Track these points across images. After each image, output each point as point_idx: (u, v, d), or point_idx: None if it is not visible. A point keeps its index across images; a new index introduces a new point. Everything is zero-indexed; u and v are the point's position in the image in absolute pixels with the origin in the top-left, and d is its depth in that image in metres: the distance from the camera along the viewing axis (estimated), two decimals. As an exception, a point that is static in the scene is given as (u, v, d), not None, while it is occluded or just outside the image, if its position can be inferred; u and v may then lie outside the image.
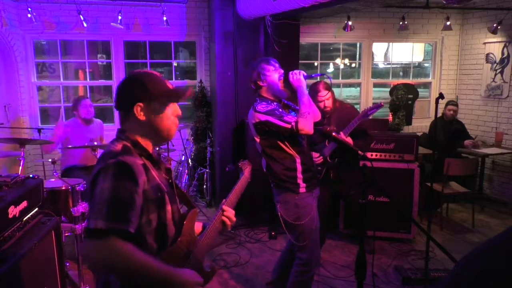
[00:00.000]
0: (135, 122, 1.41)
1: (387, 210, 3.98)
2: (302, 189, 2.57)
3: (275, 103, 2.56)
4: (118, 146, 1.37)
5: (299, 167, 2.57)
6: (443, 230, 4.53)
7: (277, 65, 2.66)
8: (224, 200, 1.69)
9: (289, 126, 2.43)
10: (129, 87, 1.43)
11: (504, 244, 0.69)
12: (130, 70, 5.71)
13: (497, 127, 5.56)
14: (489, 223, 4.80)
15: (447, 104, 5.18)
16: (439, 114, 5.26)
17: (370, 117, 3.36)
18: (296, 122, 2.42)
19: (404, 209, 4.04)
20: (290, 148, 2.55)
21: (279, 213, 2.64)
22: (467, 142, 5.08)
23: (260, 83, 2.60)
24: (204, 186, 5.29)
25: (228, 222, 1.64)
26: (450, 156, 4.64)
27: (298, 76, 2.55)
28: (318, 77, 3.30)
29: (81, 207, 3.19)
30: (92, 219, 1.24)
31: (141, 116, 1.40)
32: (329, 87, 3.30)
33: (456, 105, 5.23)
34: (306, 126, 2.41)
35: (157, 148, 3.92)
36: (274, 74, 2.59)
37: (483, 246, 0.71)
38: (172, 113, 1.44)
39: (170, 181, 1.52)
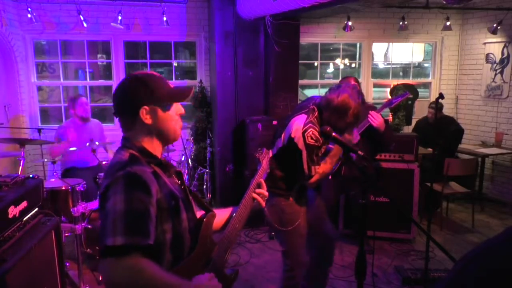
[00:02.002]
0: (141, 127, 1.35)
1: (387, 210, 3.98)
2: (292, 198, 2.54)
3: (319, 142, 2.36)
4: (125, 156, 1.31)
5: (296, 185, 2.53)
6: (443, 230, 4.53)
7: (359, 117, 2.40)
8: (251, 180, 1.66)
9: (307, 172, 2.34)
10: (132, 90, 1.35)
11: (503, 244, 0.69)
12: (130, 70, 5.71)
13: (497, 127, 5.55)
14: (489, 223, 4.80)
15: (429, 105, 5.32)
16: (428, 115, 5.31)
17: (393, 106, 3.42)
18: (311, 176, 2.34)
19: (404, 209, 4.04)
20: (297, 174, 2.46)
21: (266, 215, 2.59)
22: None
23: (329, 117, 2.33)
24: (204, 186, 5.29)
25: (260, 198, 1.63)
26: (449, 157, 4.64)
27: (356, 133, 2.39)
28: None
29: (81, 207, 3.19)
30: (109, 237, 1.15)
31: (148, 119, 1.34)
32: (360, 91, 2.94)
33: (435, 108, 5.07)
34: (316, 182, 2.37)
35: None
36: (347, 123, 2.34)
37: (483, 246, 0.71)
38: (176, 112, 1.40)
39: (182, 186, 1.45)
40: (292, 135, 2.38)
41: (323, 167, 2.38)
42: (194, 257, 1.38)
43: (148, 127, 1.35)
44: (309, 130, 2.32)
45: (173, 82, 5.75)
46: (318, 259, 2.82)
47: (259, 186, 1.67)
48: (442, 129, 5.11)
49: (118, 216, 1.17)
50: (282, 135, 2.49)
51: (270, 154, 1.85)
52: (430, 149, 4.94)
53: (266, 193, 1.64)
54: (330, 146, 2.53)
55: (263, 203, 1.63)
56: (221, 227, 1.59)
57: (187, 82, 5.75)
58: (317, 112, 2.40)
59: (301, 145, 2.33)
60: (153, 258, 1.20)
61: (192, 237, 1.39)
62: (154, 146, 1.38)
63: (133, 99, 1.34)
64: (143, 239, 1.18)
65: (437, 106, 3.31)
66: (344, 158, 2.76)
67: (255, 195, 1.62)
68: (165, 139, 1.40)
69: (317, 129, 2.33)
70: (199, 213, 1.50)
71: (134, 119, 1.35)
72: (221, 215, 1.61)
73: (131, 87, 1.36)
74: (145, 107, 1.33)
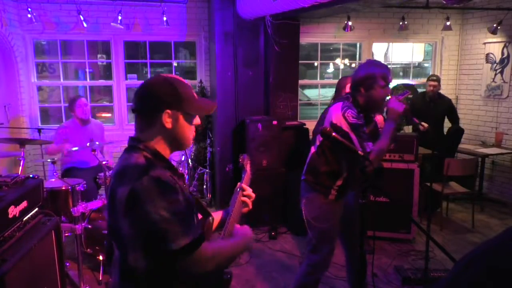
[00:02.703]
0: (159, 130, 1.34)
1: (387, 210, 3.98)
2: (332, 197, 2.51)
3: (362, 115, 2.36)
4: (140, 159, 1.29)
5: (339, 182, 2.48)
6: (443, 230, 4.53)
7: (390, 78, 2.39)
8: (236, 188, 1.68)
9: (361, 153, 2.20)
10: (159, 91, 1.33)
11: (503, 244, 0.69)
12: (130, 70, 5.71)
13: (497, 127, 5.55)
14: (489, 223, 4.80)
15: (428, 79, 5.20)
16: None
17: None
18: (368, 153, 2.25)
19: (404, 209, 4.04)
20: (346, 157, 2.43)
21: (302, 208, 2.59)
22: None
23: (363, 90, 2.37)
24: (204, 186, 5.29)
25: (248, 200, 1.65)
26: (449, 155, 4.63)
27: (398, 108, 2.30)
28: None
29: (81, 207, 3.19)
30: (171, 242, 1.20)
31: (168, 123, 1.33)
32: None
33: (436, 80, 5.10)
34: (376, 161, 2.26)
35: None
36: (382, 91, 2.36)
37: (483, 246, 0.71)
38: (194, 122, 1.41)
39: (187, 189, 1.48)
40: (334, 121, 2.36)
41: (378, 144, 2.31)
42: None
43: (166, 131, 1.34)
44: (348, 111, 2.33)
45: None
46: (350, 260, 2.82)
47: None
48: (438, 105, 5.13)
49: (168, 222, 1.21)
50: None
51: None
52: (434, 149, 4.92)
53: (253, 195, 1.67)
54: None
55: (251, 205, 1.67)
56: (214, 230, 1.61)
57: (187, 82, 5.75)
58: (351, 98, 2.42)
59: (345, 126, 2.31)
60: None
61: None
62: (165, 151, 1.38)
63: (160, 99, 1.32)
64: (198, 230, 1.29)
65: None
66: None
67: (244, 199, 1.65)
68: (178, 146, 1.40)
69: (355, 110, 2.34)
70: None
71: (153, 120, 1.34)
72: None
73: (161, 87, 1.34)
74: (168, 111, 1.32)
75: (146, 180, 1.22)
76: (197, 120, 1.42)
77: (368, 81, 2.35)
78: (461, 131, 5.33)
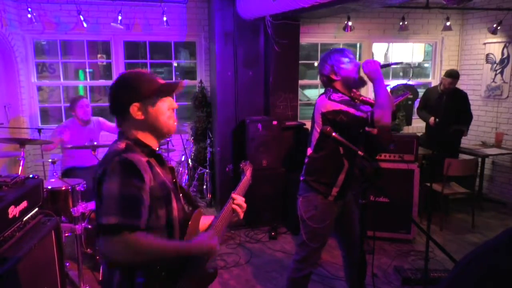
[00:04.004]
0: (134, 122, 1.43)
1: (387, 210, 3.98)
2: (331, 198, 2.51)
3: (348, 97, 2.41)
4: (121, 145, 1.40)
5: (342, 177, 2.47)
6: (443, 231, 4.53)
7: (352, 56, 2.48)
8: (232, 192, 1.68)
9: (364, 115, 2.26)
10: (120, 90, 1.45)
11: (504, 244, 0.69)
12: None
13: (497, 127, 5.56)
14: (489, 223, 4.80)
15: (445, 75, 4.92)
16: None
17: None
18: (372, 112, 2.26)
19: (404, 209, 4.04)
20: (345, 154, 2.42)
21: (298, 205, 2.59)
22: (431, 120, 4.85)
23: (334, 77, 2.44)
24: (204, 186, 5.29)
25: (239, 210, 1.65)
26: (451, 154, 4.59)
27: (374, 66, 2.36)
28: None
29: (81, 207, 3.19)
30: (103, 216, 1.26)
31: (139, 115, 1.42)
32: None
33: (451, 76, 4.79)
34: (383, 117, 2.23)
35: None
36: (349, 66, 2.43)
37: (483, 246, 0.71)
38: (168, 107, 1.46)
39: (174, 180, 1.53)
40: (324, 111, 2.39)
41: (377, 100, 2.31)
42: None
43: (140, 122, 1.43)
44: (332, 95, 2.39)
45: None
46: (347, 259, 2.81)
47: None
48: (452, 100, 4.86)
49: (112, 198, 1.27)
50: (315, 125, 2.50)
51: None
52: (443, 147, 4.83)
53: (245, 205, 1.68)
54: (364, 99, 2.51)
55: (242, 215, 1.67)
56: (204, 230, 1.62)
57: (187, 82, 5.75)
58: (331, 89, 2.46)
59: (337, 106, 2.34)
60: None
61: (180, 228, 1.46)
62: (149, 140, 1.46)
63: (122, 99, 1.43)
64: (135, 220, 1.27)
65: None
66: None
67: (235, 207, 1.66)
68: (159, 133, 1.48)
69: (339, 93, 2.40)
70: (187, 209, 1.57)
71: (126, 117, 1.43)
72: (204, 220, 1.65)
73: (118, 88, 1.45)
74: (135, 104, 1.41)
75: (116, 160, 1.32)
76: (172, 105, 1.48)
77: (333, 67, 2.43)
78: (461, 131, 5.33)
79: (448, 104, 4.84)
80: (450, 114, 4.82)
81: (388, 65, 2.68)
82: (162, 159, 1.49)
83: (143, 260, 1.29)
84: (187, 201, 1.59)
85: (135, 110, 1.41)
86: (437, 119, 4.78)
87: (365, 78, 2.49)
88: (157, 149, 1.50)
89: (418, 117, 6.21)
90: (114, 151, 1.37)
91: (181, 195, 1.54)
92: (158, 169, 1.42)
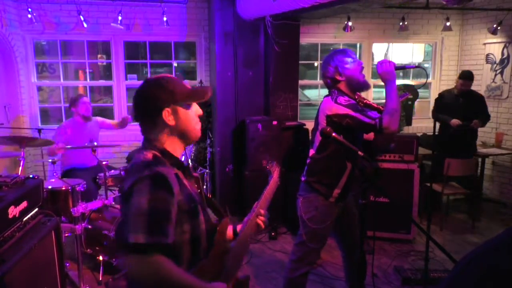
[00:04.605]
0: (164, 129, 1.39)
1: (387, 210, 3.97)
2: (332, 199, 2.49)
3: (354, 101, 2.38)
4: (149, 156, 1.34)
5: (344, 178, 2.46)
6: (443, 231, 4.53)
7: (354, 56, 2.47)
8: (256, 202, 1.63)
9: (372, 122, 2.24)
10: (153, 94, 1.38)
11: (504, 244, 0.69)
12: (130, 70, 5.71)
13: (497, 127, 5.55)
14: (489, 223, 4.80)
15: (459, 76, 4.86)
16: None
17: None
18: (381, 119, 2.23)
19: (404, 209, 4.04)
20: (348, 156, 2.41)
21: (298, 206, 2.58)
22: (453, 122, 4.74)
23: (339, 78, 2.42)
24: (204, 187, 5.28)
25: (263, 225, 1.61)
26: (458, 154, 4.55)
27: (389, 67, 2.31)
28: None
29: (81, 208, 3.19)
30: (131, 233, 1.20)
31: (171, 120, 1.38)
32: None
33: (464, 77, 4.74)
34: (392, 124, 2.22)
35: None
36: (353, 65, 2.42)
37: (483, 246, 0.71)
38: (195, 113, 1.44)
39: (199, 190, 1.49)
40: (329, 113, 2.37)
41: (387, 106, 2.29)
42: (209, 261, 1.40)
43: (170, 128, 1.39)
44: (338, 97, 2.37)
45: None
46: (347, 260, 2.81)
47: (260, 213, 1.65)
48: (468, 101, 4.81)
49: (141, 214, 1.21)
50: (318, 127, 2.47)
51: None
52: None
53: (267, 222, 1.64)
54: (369, 105, 2.49)
55: (263, 227, 1.64)
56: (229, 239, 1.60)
57: (187, 82, 5.76)
58: (336, 90, 2.44)
59: (342, 110, 2.32)
60: (172, 258, 1.25)
61: (208, 239, 1.41)
62: (175, 147, 1.43)
63: (155, 103, 1.37)
64: (163, 238, 1.22)
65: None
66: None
67: (259, 221, 1.61)
68: (187, 139, 1.45)
69: (345, 96, 2.38)
70: (213, 219, 1.51)
71: (156, 122, 1.38)
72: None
73: (151, 91, 1.39)
74: (167, 109, 1.37)
75: (147, 173, 1.26)
76: (198, 111, 1.45)
77: (337, 68, 2.42)
78: (470, 128, 5.29)
79: (465, 106, 4.79)
80: (467, 115, 4.76)
81: (404, 67, 2.67)
82: (189, 170, 1.46)
83: (161, 286, 1.24)
84: (213, 211, 1.54)
85: (167, 114, 1.37)
86: (460, 121, 4.70)
87: (370, 81, 2.48)
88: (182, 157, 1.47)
89: (418, 118, 6.23)
90: (141, 163, 1.31)
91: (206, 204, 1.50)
92: (185, 181, 1.38)
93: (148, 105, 1.39)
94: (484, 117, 4.89)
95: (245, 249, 1.59)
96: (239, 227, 1.60)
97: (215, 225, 1.46)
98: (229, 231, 1.59)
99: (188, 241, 1.34)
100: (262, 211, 1.62)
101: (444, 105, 4.89)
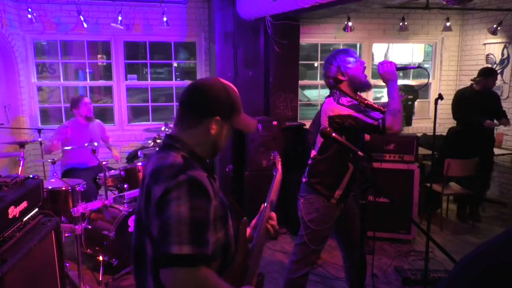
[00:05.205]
0: (202, 134, 1.31)
1: (387, 210, 3.97)
2: (333, 201, 2.49)
3: (356, 101, 2.38)
4: (178, 158, 1.25)
5: (346, 179, 2.46)
6: (443, 231, 4.53)
7: (356, 55, 2.47)
8: (263, 205, 1.58)
9: (375, 123, 2.24)
10: (217, 96, 1.31)
11: (504, 244, 0.69)
12: (130, 71, 5.71)
13: (497, 128, 5.55)
14: (489, 223, 4.79)
15: (481, 75, 4.72)
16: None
17: None
18: (383, 119, 2.23)
19: (404, 209, 4.04)
20: (350, 157, 2.38)
21: (299, 207, 2.58)
22: (488, 122, 4.66)
23: (341, 78, 2.42)
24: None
25: (272, 230, 1.56)
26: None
27: (390, 68, 2.33)
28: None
29: (81, 208, 3.19)
30: (174, 244, 1.10)
31: (214, 130, 1.30)
32: None
33: (493, 75, 4.66)
34: (395, 124, 2.23)
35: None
36: (355, 65, 2.42)
37: (483, 246, 0.71)
38: (230, 134, 1.40)
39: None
40: (332, 114, 2.37)
41: (390, 106, 2.30)
42: (237, 264, 1.36)
43: (208, 136, 1.31)
44: (341, 98, 2.37)
45: (173, 83, 5.75)
46: (347, 260, 2.81)
47: (271, 217, 1.60)
48: (486, 98, 4.74)
49: (184, 223, 1.12)
50: (320, 128, 2.46)
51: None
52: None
53: (277, 227, 1.59)
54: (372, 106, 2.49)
55: (273, 233, 1.59)
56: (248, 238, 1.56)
57: (187, 82, 5.75)
58: (337, 91, 2.44)
59: (345, 111, 2.32)
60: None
61: (235, 244, 1.38)
62: (203, 153, 1.35)
63: (215, 105, 1.30)
64: (207, 249, 1.15)
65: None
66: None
67: (269, 227, 1.56)
68: (212, 153, 1.37)
69: (347, 97, 2.38)
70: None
71: (200, 122, 1.30)
72: None
73: (219, 93, 1.31)
74: (218, 118, 1.30)
75: (182, 178, 1.17)
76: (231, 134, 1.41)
77: (340, 68, 2.42)
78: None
79: (486, 104, 4.76)
80: (488, 113, 4.73)
81: (405, 68, 2.68)
82: (213, 172, 1.39)
83: None
84: (233, 211, 1.51)
85: (214, 122, 1.29)
86: (496, 120, 4.68)
87: (371, 81, 2.48)
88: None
89: (418, 118, 6.23)
90: (172, 166, 1.21)
91: None
92: (215, 185, 1.30)
93: (206, 103, 1.30)
94: (505, 115, 4.87)
95: (262, 250, 1.54)
96: (248, 230, 1.55)
97: (238, 228, 1.41)
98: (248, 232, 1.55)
99: (221, 248, 1.28)
100: (272, 215, 1.57)
101: (467, 104, 4.79)
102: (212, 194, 1.21)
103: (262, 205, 1.58)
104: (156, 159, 1.29)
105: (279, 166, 1.79)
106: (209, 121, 1.29)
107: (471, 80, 4.85)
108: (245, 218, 1.46)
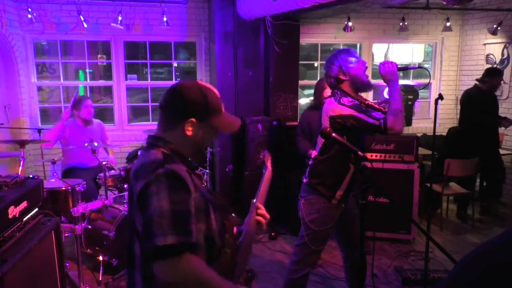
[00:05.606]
0: (179, 135, 1.35)
1: (387, 210, 3.97)
2: (334, 201, 2.49)
3: (357, 101, 2.38)
4: (158, 154, 1.30)
5: (347, 180, 2.45)
6: (443, 231, 4.53)
7: (358, 55, 2.47)
8: (253, 200, 1.61)
9: (377, 123, 2.24)
10: (191, 98, 1.34)
11: (504, 244, 0.69)
12: (130, 71, 5.71)
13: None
14: (489, 224, 4.79)
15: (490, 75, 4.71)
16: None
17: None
18: (385, 119, 2.24)
19: (404, 209, 4.04)
20: (351, 157, 2.40)
21: (300, 207, 2.57)
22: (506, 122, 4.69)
23: (343, 77, 2.41)
24: (204, 187, 5.29)
25: (263, 221, 1.58)
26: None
27: (392, 68, 2.33)
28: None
29: (81, 208, 3.19)
30: (158, 236, 1.15)
31: (189, 131, 1.34)
32: None
33: (501, 74, 4.74)
34: (396, 124, 2.23)
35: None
36: (357, 65, 2.42)
37: (483, 247, 0.71)
38: (212, 136, 1.42)
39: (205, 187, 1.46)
40: (333, 114, 2.36)
41: (391, 106, 2.30)
42: (224, 259, 1.38)
43: (185, 137, 1.35)
44: (342, 98, 2.36)
45: (173, 83, 5.75)
46: (347, 260, 2.81)
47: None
48: (495, 100, 4.79)
49: (165, 216, 1.17)
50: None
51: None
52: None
53: (268, 216, 1.61)
54: (373, 105, 2.49)
55: (264, 227, 1.61)
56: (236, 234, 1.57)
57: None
58: (338, 91, 2.43)
59: (346, 111, 2.31)
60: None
61: (220, 238, 1.39)
62: (185, 153, 1.38)
63: (189, 107, 1.34)
64: (190, 237, 1.19)
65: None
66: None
67: (259, 218, 1.58)
68: (195, 153, 1.41)
69: (349, 97, 2.37)
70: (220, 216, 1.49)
71: (177, 123, 1.35)
72: None
73: (194, 95, 1.35)
74: (193, 119, 1.33)
75: (160, 172, 1.23)
76: (215, 135, 1.44)
77: (341, 68, 2.42)
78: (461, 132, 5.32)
79: (495, 104, 4.79)
80: (495, 113, 4.80)
81: (406, 68, 2.69)
82: (195, 168, 1.43)
83: (197, 286, 1.21)
84: (221, 208, 1.50)
85: (189, 124, 1.33)
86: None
87: (372, 82, 2.48)
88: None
89: (418, 118, 6.23)
90: (152, 162, 1.27)
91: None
92: (195, 179, 1.33)
93: (180, 105, 1.35)
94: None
95: (251, 246, 1.57)
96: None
97: (223, 223, 1.44)
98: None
99: (203, 241, 1.32)
100: (259, 205, 1.60)
101: (482, 104, 4.77)
102: (192, 187, 1.26)
103: (252, 201, 1.62)
104: (139, 159, 1.36)
105: (269, 164, 1.80)
106: (185, 123, 1.33)
107: (476, 80, 4.85)
108: (232, 214, 1.49)
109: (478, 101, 4.77)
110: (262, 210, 1.60)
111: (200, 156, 1.47)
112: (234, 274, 1.41)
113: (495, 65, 5.55)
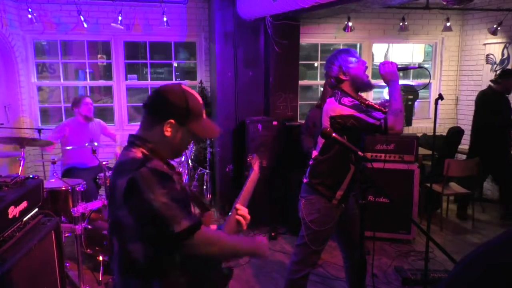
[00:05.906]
0: (158, 134, 1.39)
1: (387, 210, 3.97)
2: (335, 201, 2.49)
3: (357, 101, 2.37)
4: (138, 154, 1.36)
5: (347, 180, 2.45)
6: (443, 231, 4.53)
7: (358, 55, 2.48)
8: (236, 199, 1.66)
9: (377, 123, 2.24)
10: (172, 100, 1.38)
11: (504, 244, 0.69)
12: (130, 71, 5.71)
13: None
14: (489, 224, 4.80)
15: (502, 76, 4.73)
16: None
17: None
18: (385, 119, 2.24)
19: (404, 209, 4.04)
20: (351, 157, 2.39)
21: (300, 207, 2.57)
22: None
23: (343, 77, 2.42)
24: (204, 187, 5.29)
25: (243, 221, 1.64)
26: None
27: (392, 68, 2.34)
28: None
29: (81, 208, 3.19)
30: (174, 225, 1.27)
31: (167, 132, 1.38)
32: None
33: (503, 76, 4.70)
34: (397, 124, 2.24)
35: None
36: (357, 65, 2.42)
37: (483, 247, 0.71)
38: (191, 138, 1.46)
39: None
40: (333, 114, 2.36)
41: (391, 106, 2.30)
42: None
43: (163, 138, 1.39)
44: (342, 98, 2.36)
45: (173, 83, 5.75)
46: (347, 260, 2.80)
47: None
48: (508, 101, 4.79)
49: (169, 207, 1.27)
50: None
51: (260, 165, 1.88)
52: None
53: (248, 216, 1.67)
54: (374, 105, 2.49)
55: (245, 226, 1.67)
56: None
57: (187, 82, 5.75)
58: (339, 91, 2.43)
59: (347, 111, 2.31)
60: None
61: None
62: (163, 153, 1.43)
63: (169, 108, 1.38)
64: (195, 216, 1.36)
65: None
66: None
67: (239, 218, 1.65)
68: (172, 154, 1.46)
69: (349, 97, 2.37)
70: (196, 213, 1.56)
71: (156, 124, 1.39)
72: None
73: (175, 97, 1.39)
74: (172, 121, 1.37)
75: (144, 170, 1.29)
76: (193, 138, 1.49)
77: (341, 67, 2.42)
78: (461, 132, 5.33)
79: (509, 105, 4.80)
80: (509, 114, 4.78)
81: (406, 68, 2.68)
82: (174, 168, 1.48)
83: (220, 249, 1.39)
84: (197, 204, 1.57)
85: (168, 125, 1.37)
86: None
87: (372, 82, 2.48)
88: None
89: (418, 118, 6.22)
90: (133, 161, 1.33)
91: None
92: (176, 175, 1.40)
93: (161, 106, 1.39)
94: None
95: None
96: (215, 226, 1.64)
97: (200, 216, 1.50)
98: (214, 228, 1.63)
99: None
100: (238, 206, 1.66)
101: (494, 105, 4.78)
102: (175, 178, 1.36)
103: (236, 199, 1.69)
104: (119, 157, 1.42)
105: (256, 167, 1.85)
106: (164, 124, 1.37)
107: (490, 81, 4.86)
108: (209, 212, 1.56)
109: (491, 101, 4.79)
110: (242, 211, 1.66)
111: (176, 158, 1.52)
112: (210, 269, 1.50)
113: (495, 65, 5.55)
